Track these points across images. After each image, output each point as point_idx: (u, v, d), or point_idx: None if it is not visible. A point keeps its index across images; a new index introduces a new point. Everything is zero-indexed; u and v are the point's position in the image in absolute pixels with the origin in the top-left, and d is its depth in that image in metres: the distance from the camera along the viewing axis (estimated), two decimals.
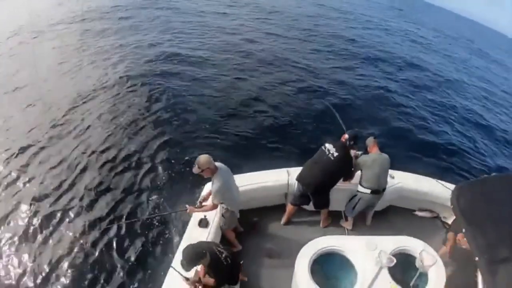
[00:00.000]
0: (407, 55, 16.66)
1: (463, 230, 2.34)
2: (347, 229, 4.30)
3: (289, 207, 4.28)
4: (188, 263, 2.76)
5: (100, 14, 16.64)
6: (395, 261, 2.97)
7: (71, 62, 10.82)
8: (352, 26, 21.87)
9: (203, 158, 3.28)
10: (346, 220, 4.33)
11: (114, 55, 11.62)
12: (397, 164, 4.61)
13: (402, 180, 4.39)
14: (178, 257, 3.34)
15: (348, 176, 4.09)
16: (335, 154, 3.83)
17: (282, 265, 3.73)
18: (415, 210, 4.57)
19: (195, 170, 3.29)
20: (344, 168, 3.96)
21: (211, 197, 3.49)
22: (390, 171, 4.43)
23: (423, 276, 3.01)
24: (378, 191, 3.91)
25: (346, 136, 3.93)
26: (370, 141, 4.12)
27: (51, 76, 9.96)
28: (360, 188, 3.96)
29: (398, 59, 15.71)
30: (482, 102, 13.11)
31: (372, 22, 25.12)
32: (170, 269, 3.10)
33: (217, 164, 3.43)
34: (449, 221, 4.37)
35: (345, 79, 11.82)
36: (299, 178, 4.02)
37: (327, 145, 3.97)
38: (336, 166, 3.84)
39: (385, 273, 2.93)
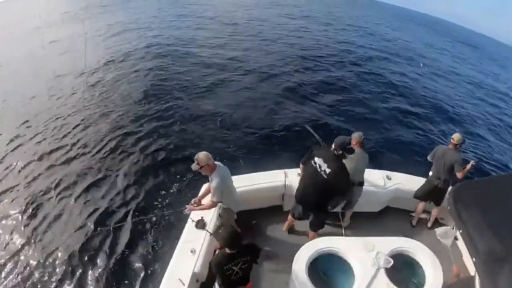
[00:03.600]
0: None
1: (460, 231, 2.33)
2: (344, 230, 4.29)
3: (290, 219, 4.10)
4: (221, 240, 2.64)
5: None
6: (392, 262, 2.97)
7: None
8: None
9: (202, 154, 3.24)
10: (343, 219, 4.33)
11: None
12: (394, 166, 4.60)
13: (399, 182, 4.39)
14: (174, 259, 3.34)
15: (346, 191, 3.52)
16: (327, 170, 3.27)
17: (280, 267, 3.71)
18: (412, 211, 4.57)
19: (194, 167, 3.23)
20: (341, 184, 3.32)
21: (209, 195, 3.46)
22: (387, 172, 4.45)
23: (421, 277, 3.01)
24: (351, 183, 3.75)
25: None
26: (356, 137, 3.90)
27: None
28: None
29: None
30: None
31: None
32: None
33: (216, 162, 3.41)
34: (446, 222, 4.38)
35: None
36: (296, 198, 3.74)
37: (317, 159, 3.39)
38: (330, 185, 3.28)
39: (382, 274, 2.92)
